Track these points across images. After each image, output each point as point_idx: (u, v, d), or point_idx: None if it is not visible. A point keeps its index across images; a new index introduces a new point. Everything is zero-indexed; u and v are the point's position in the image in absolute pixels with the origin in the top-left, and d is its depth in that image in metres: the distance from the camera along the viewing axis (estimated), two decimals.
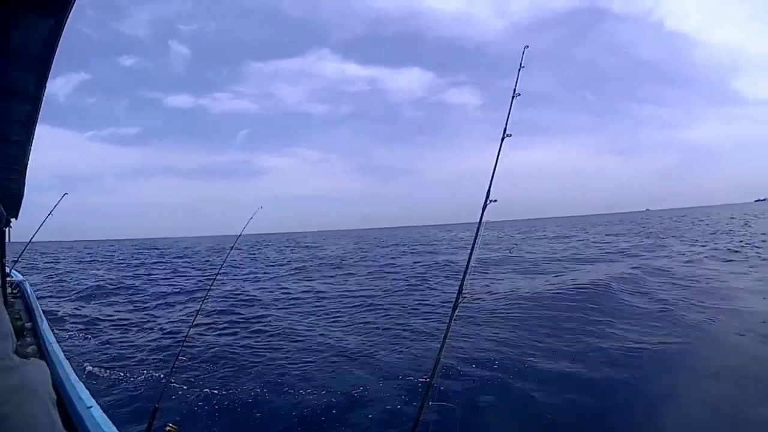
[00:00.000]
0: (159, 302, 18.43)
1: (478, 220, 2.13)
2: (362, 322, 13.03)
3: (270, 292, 19.52)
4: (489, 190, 2.40)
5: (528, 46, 2.60)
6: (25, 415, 2.36)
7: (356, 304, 15.67)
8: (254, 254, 48.41)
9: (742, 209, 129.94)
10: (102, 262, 45.60)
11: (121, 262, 44.83)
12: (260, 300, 17.28)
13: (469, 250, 2.26)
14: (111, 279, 26.76)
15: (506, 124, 2.36)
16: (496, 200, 2.27)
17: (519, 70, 2.36)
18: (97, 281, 25.55)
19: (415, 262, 29.91)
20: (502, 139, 2.38)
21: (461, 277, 2.17)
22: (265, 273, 27.42)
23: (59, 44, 2.19)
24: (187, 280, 25.56)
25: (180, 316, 15.01)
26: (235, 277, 24.61)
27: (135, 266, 37.69)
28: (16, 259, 11.77)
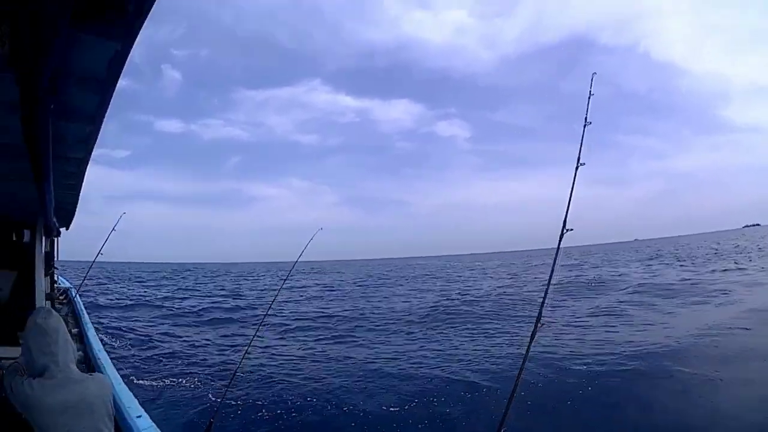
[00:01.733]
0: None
1: (555, 248, 2.13)
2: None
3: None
4: (565, 220, 2.40)
5: (596, 73, 2.56)
6: (78, 427, 2.44)
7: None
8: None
9: (734, 235, 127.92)
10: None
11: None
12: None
13: (548, 280, 2.25)
14: None
15: (579, 153, 2.35)
16: (572, 229, 2.23)
17: (589, 98, 2.34)
18: None
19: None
20: (576, 168, 2.37)
21: (540, 305, 2.15)
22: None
23: (125, 67, 2.18)
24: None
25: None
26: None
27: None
28: (84, 277, 12.07)
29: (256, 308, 21.44)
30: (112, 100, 2.48)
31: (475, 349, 12.59)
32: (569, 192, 2.20)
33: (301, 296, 27.84)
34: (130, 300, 25.73)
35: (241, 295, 30.84)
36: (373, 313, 19.74)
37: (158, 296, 29.85)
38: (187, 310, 22.55)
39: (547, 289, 2.30)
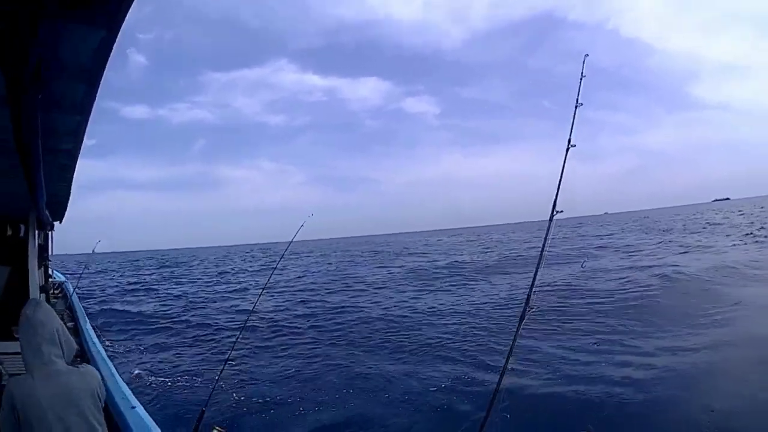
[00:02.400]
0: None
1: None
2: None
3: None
4: (555, 202, 2.42)
5: (588, 55, 2.55)
6: (66, 420, 2.45)
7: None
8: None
9: (703, 208, 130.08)
10: None
11: None
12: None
13: (537, 261, 2.26)
14: None
15: (570, 134, 2.38)
16: (562, 211, 2.29)
17: (581, 79, 2.37)
18: None
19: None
20: (567, 150, 2.40)
21: (530, 285, 2.17)
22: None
23: (111, 55, 2.17)
24: None
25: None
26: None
27: None
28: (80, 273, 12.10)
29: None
30: (99, 89, 2.46)
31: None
32: (559, 173, 2.27)
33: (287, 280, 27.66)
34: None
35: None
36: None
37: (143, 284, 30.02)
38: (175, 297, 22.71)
39: (536, 271, 2.30)
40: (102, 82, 2.38)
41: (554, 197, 2.34)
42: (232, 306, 19.46)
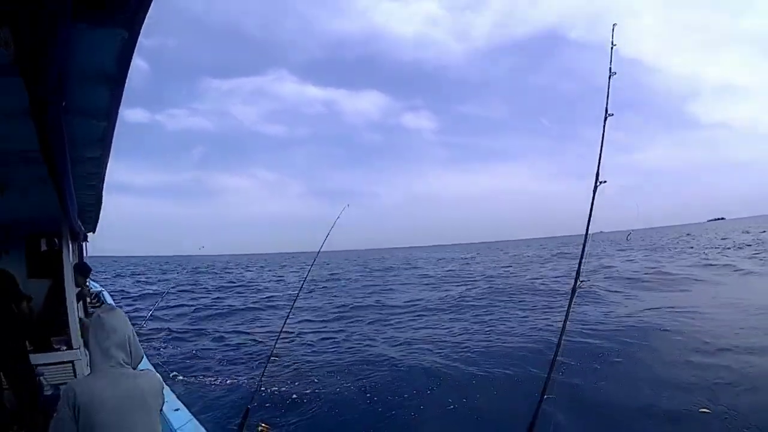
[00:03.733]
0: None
1: (593, 219, 2.11)
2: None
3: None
4: (598, 172, 2.38)
5: (616, 24, 2.51)
6: (131, 422, 2.45)
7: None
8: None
9: (698, 229, 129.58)
10: None
11: None
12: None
13: (584, 238, 2.26)
14: None
15: (607, 103, 2.36)
16: (605, 181, 2.28)
17: (612, 48, 2.34)
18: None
19: None
20: (605, 119, 2.37)
21: (578, 262, 2.16)
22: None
23: (133, 57, 2.10)
24: None
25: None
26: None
27: None
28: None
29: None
30: (124, 93, 2.41)
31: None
32: (600, 143, 2.29)
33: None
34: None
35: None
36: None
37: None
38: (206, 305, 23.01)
39: (584, 247, 2.29)
40: (126, 85, 2.33)
41: (597, 167, 2.33)
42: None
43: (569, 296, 2.18)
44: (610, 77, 2.32)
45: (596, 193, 2.34)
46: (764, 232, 60.52)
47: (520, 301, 18.04)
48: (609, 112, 2.33)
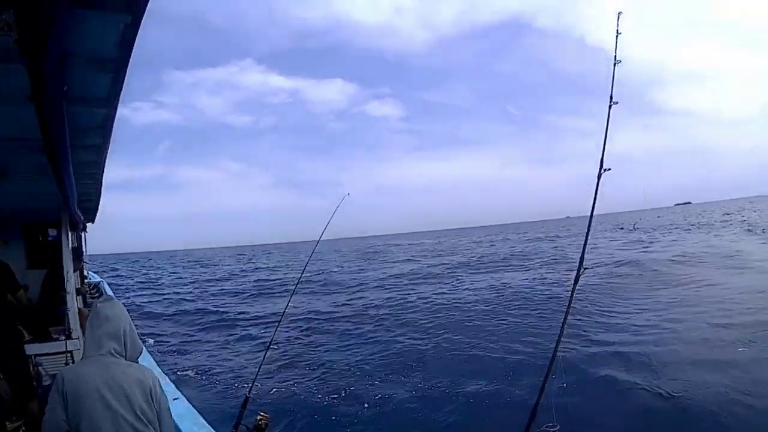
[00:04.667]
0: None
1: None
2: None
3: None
4: (602, 159, 2.38)
5: (621, 12, 2.51)
6: (112, 410, 2.44)
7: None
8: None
9: (667, 212, 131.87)
10: None
11: None
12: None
13: (588, 224, 2.27)
14: None
15: (612, 91, 2.37)
16: (610, 168, 2.30)
17: (616, 36, 2.36)
18: None
19: None
20: (610, 107, 2.38)
21: (581, 251, 2.18)
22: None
23: (135, 43, 2.06)
24: None
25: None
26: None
27: None
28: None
29: None
30: (126, 80, 2.37)
31: None
32: (605, 130, 2.30)
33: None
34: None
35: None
36: None
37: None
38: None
39: (587, 235, 2.30)
40: (128, 71, 2.29)
41: (601, 155, 2.34)
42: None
43: (572, 286, 2.17)
44: (615, 65, 2.34)
45: (600, 179, 2.36)
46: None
47: None
48: (614, 100, 2.35)
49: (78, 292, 6.90)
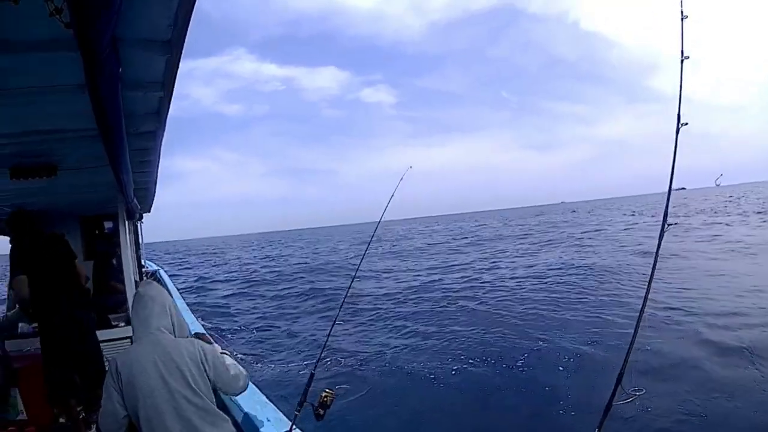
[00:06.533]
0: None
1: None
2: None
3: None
4: (679, 114, 2.25)
5: None
6: (168, 385, 2.45)
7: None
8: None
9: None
10: None
11: None
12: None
13: (668, 189, 2.15)
14: None
15: (682, 47, 2.23)
16: (687, 123, 2.18)
17: None
18: None
19: None
20: (682, 62, 2.24)
21: (665, 205, 2.08)
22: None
23: (191, 24, 1.98)
24: None
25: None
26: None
27: None
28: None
29: None
30: (181, 62, 2.31)
31: None
32: (679, 87, 2.17)
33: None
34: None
35: None
36: None
37: None
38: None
39: (667, 201, 2.20)
40: (183, 53, 2.21)
41: (678, 109, 2.21)
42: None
43: (657, 244, 2.05)
44: (682, 20, 2.21)
45: (678, 134, 2.23)
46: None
47: None
48: (685, 55, 2.21)
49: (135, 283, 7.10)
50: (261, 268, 30.78)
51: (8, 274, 4.74)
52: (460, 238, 43.34)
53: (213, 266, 36.25)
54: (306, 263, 30.78)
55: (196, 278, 26.45)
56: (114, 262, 6.82)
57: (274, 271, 26.74)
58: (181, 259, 50.54)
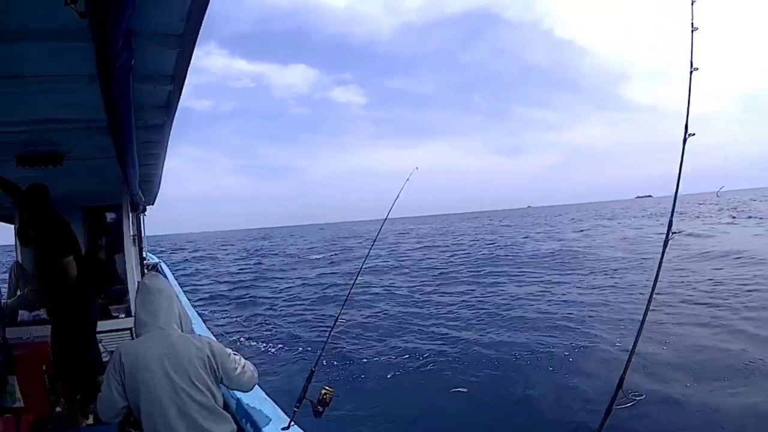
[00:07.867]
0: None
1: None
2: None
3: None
4: (686, 124, 2.28)
5: None
6: (173, 381, 2.46)
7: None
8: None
9: (626, 204, 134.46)
10: None
11: None
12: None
13: (675, 188, 2.18)
14: None
15: (691, 57, 2.26)
16: (694, 134, 2.21)
17: (692, 2, 2.26)
18: None
19: None
20: (691, 73, 2.28)
21: (670, 213, 2.11)
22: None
23: (206, 15, 1.96)
24: None
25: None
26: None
27: None
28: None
29: None
30: (193, 55, 2.31)
31: None
32: (687, 96, 2.22)
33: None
34: None
35: None
36: None
37: None
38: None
39: (675, 196, 2.24)
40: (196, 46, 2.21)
41: (685, 120, 2.24)
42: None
43: (661, 249, 2.08)
44: (692, 32, 2.24)
45: (686, 144, 2.26)
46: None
47: None
48: (694, 66, 2.24)
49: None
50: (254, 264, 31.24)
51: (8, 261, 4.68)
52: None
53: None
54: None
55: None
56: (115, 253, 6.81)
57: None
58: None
